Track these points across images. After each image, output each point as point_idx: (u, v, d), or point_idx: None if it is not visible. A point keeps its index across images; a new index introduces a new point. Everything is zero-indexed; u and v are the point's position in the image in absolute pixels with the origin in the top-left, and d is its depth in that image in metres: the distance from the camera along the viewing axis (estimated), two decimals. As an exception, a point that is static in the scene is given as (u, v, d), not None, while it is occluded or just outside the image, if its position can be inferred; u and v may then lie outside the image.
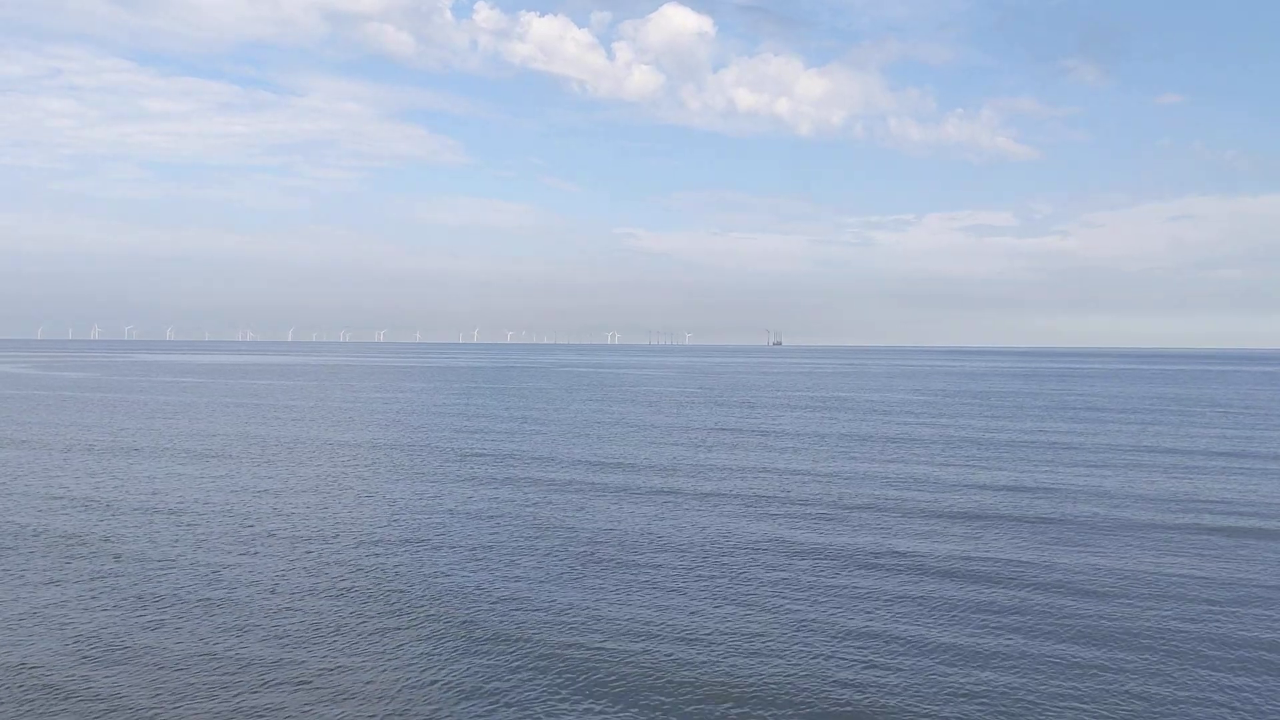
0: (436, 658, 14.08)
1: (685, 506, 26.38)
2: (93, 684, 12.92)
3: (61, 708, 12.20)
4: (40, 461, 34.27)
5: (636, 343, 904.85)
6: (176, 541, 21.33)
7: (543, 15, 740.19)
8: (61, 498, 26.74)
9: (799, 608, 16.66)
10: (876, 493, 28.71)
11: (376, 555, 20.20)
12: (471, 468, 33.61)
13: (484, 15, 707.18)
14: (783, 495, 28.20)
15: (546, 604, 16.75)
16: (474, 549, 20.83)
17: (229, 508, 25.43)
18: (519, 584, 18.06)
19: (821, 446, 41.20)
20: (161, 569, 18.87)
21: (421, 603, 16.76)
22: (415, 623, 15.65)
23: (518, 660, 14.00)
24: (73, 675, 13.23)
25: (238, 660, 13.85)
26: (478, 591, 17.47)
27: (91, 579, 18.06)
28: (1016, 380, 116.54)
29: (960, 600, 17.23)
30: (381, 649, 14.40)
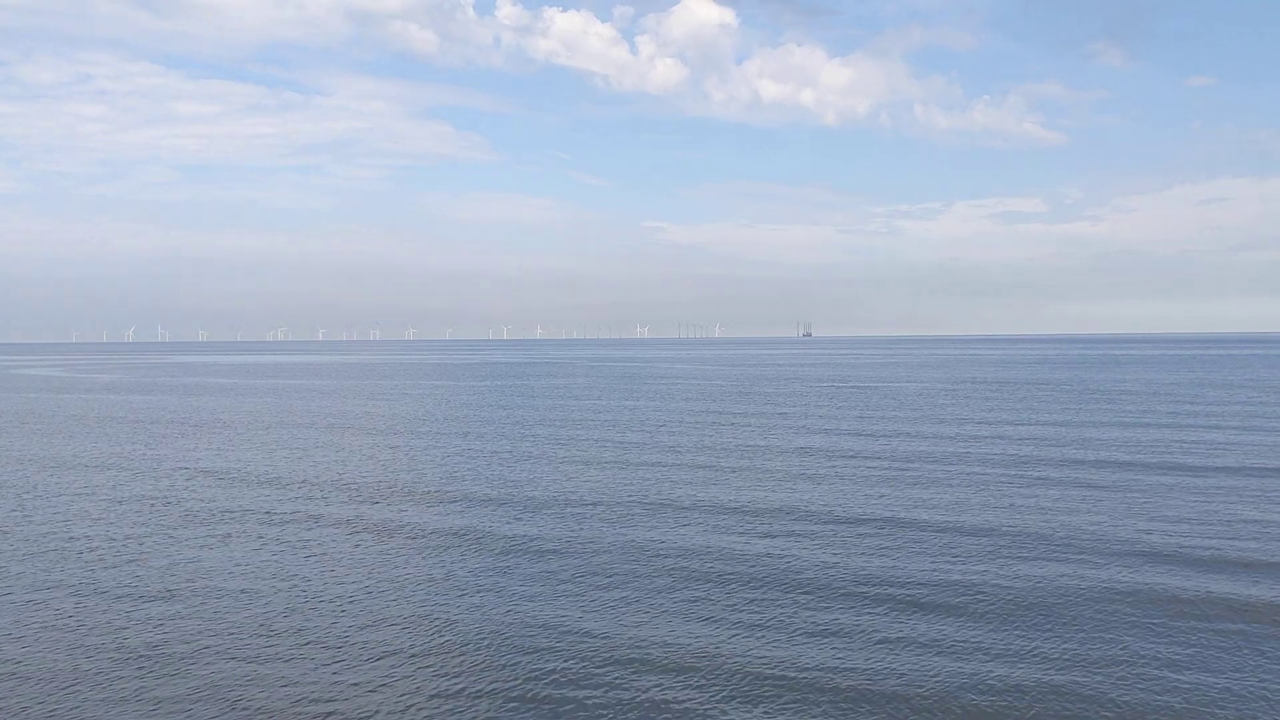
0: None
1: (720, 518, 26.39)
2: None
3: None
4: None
5: (667, 336, 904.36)
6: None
7: (565, 10, 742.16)
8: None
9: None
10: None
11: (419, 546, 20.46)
12: (502, 461, 33.82)
13: (506, 11, 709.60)
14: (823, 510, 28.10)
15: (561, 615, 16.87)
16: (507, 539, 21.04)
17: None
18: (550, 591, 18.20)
19: (861, 455, 40.97)
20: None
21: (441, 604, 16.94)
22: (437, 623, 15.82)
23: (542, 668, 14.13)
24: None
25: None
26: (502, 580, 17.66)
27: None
28: (1057, 369, 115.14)
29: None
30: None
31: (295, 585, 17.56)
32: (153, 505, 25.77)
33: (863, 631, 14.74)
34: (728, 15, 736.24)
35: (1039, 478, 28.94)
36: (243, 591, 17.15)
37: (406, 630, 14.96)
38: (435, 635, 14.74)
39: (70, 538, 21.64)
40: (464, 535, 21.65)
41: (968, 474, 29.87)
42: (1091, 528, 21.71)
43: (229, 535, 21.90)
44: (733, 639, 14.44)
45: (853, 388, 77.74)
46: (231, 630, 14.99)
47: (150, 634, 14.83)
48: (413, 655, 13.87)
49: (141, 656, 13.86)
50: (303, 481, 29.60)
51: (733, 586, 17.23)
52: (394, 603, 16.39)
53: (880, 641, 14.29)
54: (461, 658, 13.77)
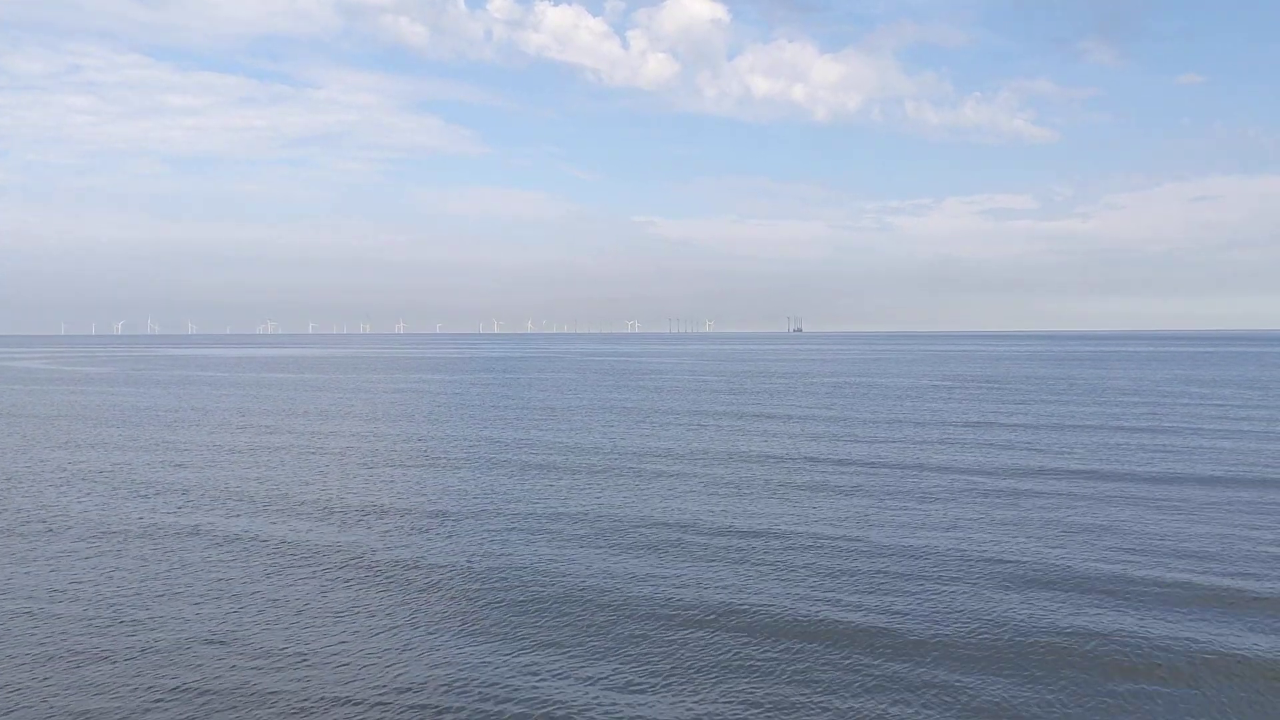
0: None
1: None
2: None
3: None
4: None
5: (657, 331, 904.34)
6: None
7: (556, 4, 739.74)
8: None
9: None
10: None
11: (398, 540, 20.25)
12: (488, 457, 33.62)
13: (498, 5, 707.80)
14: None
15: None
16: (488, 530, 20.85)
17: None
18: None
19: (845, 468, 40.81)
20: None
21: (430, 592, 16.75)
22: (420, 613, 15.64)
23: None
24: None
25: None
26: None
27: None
28: (1045, 366, 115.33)
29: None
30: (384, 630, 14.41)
31: (240, 608, 17.35)
32: (112, 517, 25.49)
33: (825, 672, 14.59)
34: (719, 11, 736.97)
35: (1021, 490, 28.76)
36: (192, 614, 16.94)
37: (367, 671, 14.78)
38: (398, 685, 14.55)
39: (20, 550, 21.38)
40: (436, 556, 21.42)
41: (949, 483, 29.71)
42: (1073, 548, 21.58)
43: (185, 554, 21.65)
44: (686, 676, 14.29)
45: (840, 384, 77.64)
46: (179, 667, 14.78)
47: (104, 663, 14.61)
48: (369, 701, 13.68)
49: (93, 688, 13.64)
50: (261, 491, 29.31)
51: (678, 617, 17.06)
52: (345, 640, 16.19)
53: (832, 684, 14.15)
54: (426, 703, 13.59)
